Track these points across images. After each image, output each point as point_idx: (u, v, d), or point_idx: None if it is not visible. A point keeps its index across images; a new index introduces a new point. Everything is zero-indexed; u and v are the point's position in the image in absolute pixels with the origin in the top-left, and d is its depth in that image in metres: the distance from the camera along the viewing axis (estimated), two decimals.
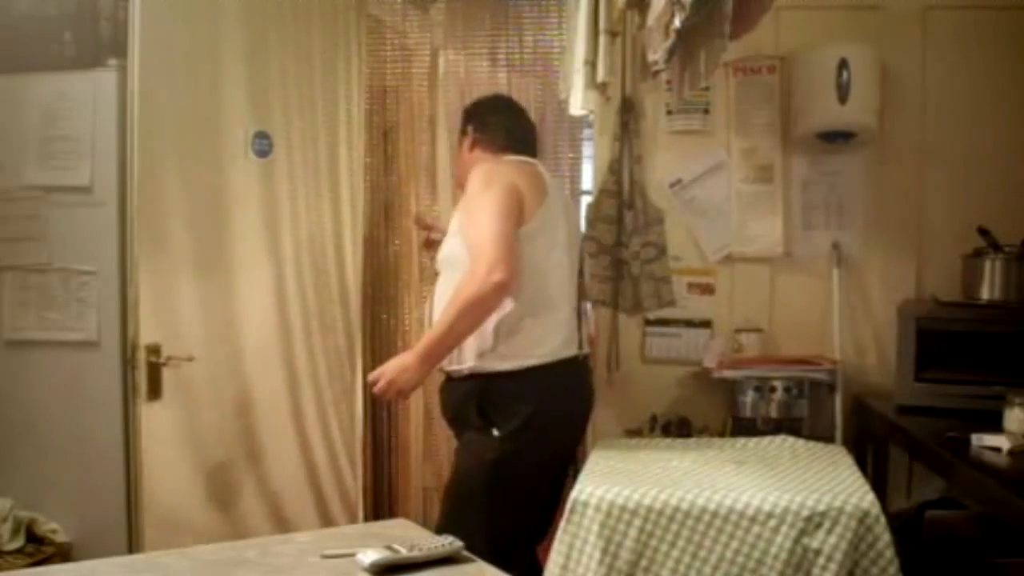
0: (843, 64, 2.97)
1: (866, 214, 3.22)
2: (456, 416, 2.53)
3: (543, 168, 2.62)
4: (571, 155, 3.59)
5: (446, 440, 3.49)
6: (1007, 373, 2.68)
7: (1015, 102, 3.13)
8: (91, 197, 2.63)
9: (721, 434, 3.08)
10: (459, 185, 2.78)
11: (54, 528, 2.66)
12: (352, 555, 1.56)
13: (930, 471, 2.83)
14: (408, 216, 3.53)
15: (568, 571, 2.19)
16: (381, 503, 3.58)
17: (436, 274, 2.65)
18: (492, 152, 2.64)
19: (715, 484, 2.22)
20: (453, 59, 3.51)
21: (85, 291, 2.65)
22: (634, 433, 3.15)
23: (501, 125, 2.70)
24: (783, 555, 2.08)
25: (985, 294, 2.90)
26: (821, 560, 2.06)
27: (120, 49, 2.55)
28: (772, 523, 2.09)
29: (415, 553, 1.55)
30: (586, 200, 3.42)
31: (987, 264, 2.90)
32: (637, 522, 2.15)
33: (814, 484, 2.22)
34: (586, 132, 3.54)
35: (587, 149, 3.53)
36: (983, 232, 2.90)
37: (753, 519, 2.10)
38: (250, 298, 2.86)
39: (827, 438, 2.89)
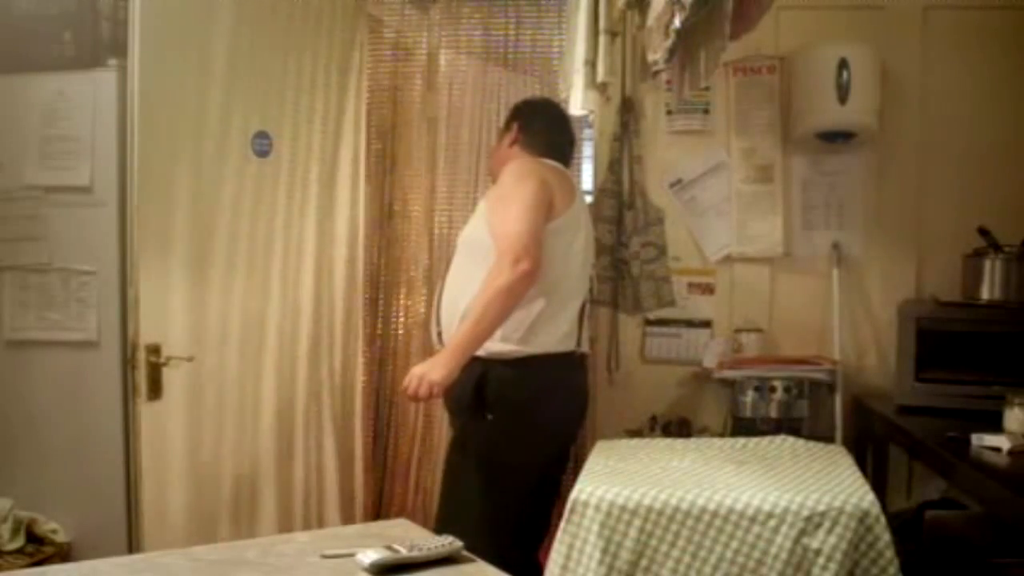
0: (843, 64, 2.97)
1: (866, 214, 3.22)
2: (454, 398, 2.55)
3: (574, 178, 2.73)
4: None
5: (445, 440, 3.49)
6: (1007, 373, 2.68)
7: (1015, 102, 3.13)
8: (91, 197, 2.63)
9: (721, 434, 3.08)
10: (492, 175, 2.84)
11: (54, 528, 2.66)
12: (352, 555, 1.56)
13: (930, 471, 2.83)
14: (408, 216, 3.53)
15: (568, 571, 2.19)
16: (381, 503, 3.58)
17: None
18: (530, 154, 2.70)
19: (715, 484, 2.22)
20: (452, 59, 3.51)
21: (85, 291, 2.65)
22: (634, 433, 3.15)
23: (545, 130, 2.75)
24: (783, 555, 2.08)
25: (985, 294, 2.90)
26: (821, 560, 2.06)
27: (120, 49, 2.55)
28: (772, 523, 2.09)
29: (415, 553, 1.55)
30: (586, 200, 3.42)
31: (987, 264, 2.90)
32: (637, 522, 2.15)
33: (814, 484, 2.22)
34: (586, 132, 3.53)
35: (587, 149, 3.52)
36: (983, 232, 2.90)
37: (753, 519, 2.10)
38: (250, 298, 2.86)
39: (827, 438, 2.89)
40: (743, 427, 2.98)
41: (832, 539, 2.06)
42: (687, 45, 2.24)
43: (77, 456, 2.65)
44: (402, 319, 3.59)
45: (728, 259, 3.27)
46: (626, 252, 3.22)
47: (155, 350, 2.51)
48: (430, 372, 2.35)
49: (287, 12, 2.95)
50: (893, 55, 3.13)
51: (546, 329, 2.49)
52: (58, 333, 2.67)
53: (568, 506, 2.21)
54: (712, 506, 2.13)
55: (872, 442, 3.09)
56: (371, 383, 3.52)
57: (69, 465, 2.66)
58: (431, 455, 3.55)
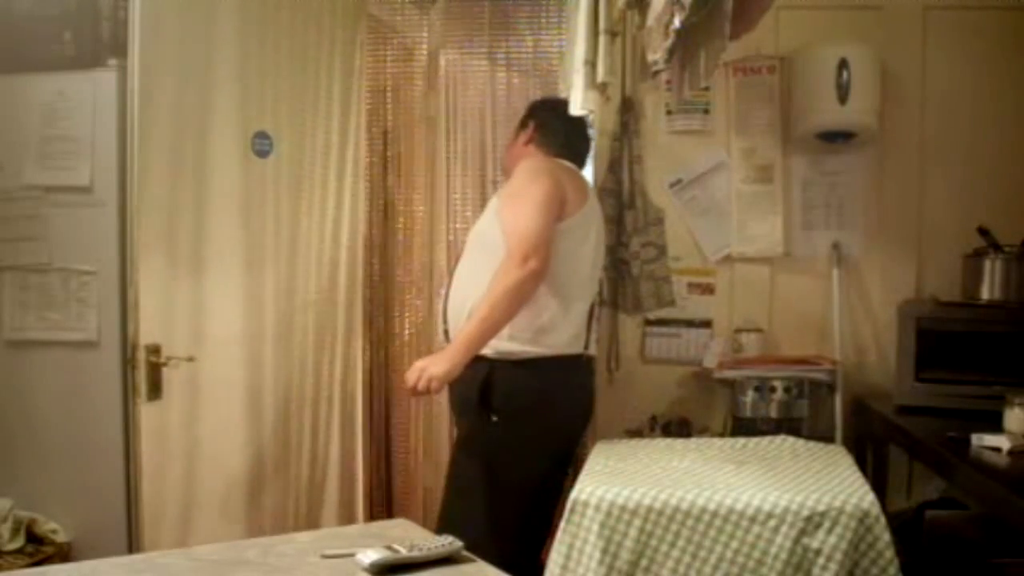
0: (843, 64, 2.97)
1: (866, 214, 3.22)
2: (460, 398, 2.55)
3: (587, 179, 2.75)
4: None
5: (446, 440, 3.49)
6: (1007, 373, 2.68)
7: (1015, 102, 3.13)
8: (91, 197, 2.63)
9: (721, 434, 3.08)
10: (506, 172, 2.85)
11: (54, 528, 2.65)
12: (352, 555, 1.56)
13: (930, 471, 2.83)
14: (408, 216, 3.53)
15: (568, 571, 2.19)
16: (381, 503, 3.58)
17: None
18: (545, 153, 2.70)
19: (715, 484, 2.22)
20: (452, 59, 3.52)
21: (85, 291, 2.65)
22: (634, 433, 3.15)
23: (562, 131, 2.75)
24: (783, 555, 2.08)
25: (985, 294, 2.90)
26: (821, 560, 2.06)
27: (120, 49, 2.55)
28: (772, 523, 2.09)
29: (415, 553, 1.55)
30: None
31: (987, 264, 2.90)
32: (637, 522, 2.15)
33: (814, 484, 2.22)
34: None
35: None
36: (983, 232, 2.90)
37: (753, 519, 2.10)
38: (250, 298, 2.85)
39: (827, 438, 2.89)
40: (743, 427, 2.98)
41: (832, 539, 2.06)
42: (687, 45, 2.24)
43: (77, 456, 2.65)
44: (402, 319, 3.59)
45: (728, 259, 3.27)
46: (626, 252, 3.22)
47: (155, 350, 2.51)
48: (431, 366, 2.33)
49: (287, 12, 2.95)
50: (893, 55, 3.13)
51: (556, 330, 2.49)
52: (58, 333, 2.67)
53: (568, 506, 2.21)
54: (712, 506, 2.13)
55: (872, 442, 3.09)
56: (372, 383, 3.52)
57: (69, 465, 2.66)
58: (432, 455, 3.55)
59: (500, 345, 2.43)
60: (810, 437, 2.79)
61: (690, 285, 3.29)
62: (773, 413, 2.97)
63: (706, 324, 3.28)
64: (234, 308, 2.79)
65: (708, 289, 3.29)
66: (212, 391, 2.72)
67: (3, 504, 2.61)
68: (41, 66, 2.68)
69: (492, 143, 3.46)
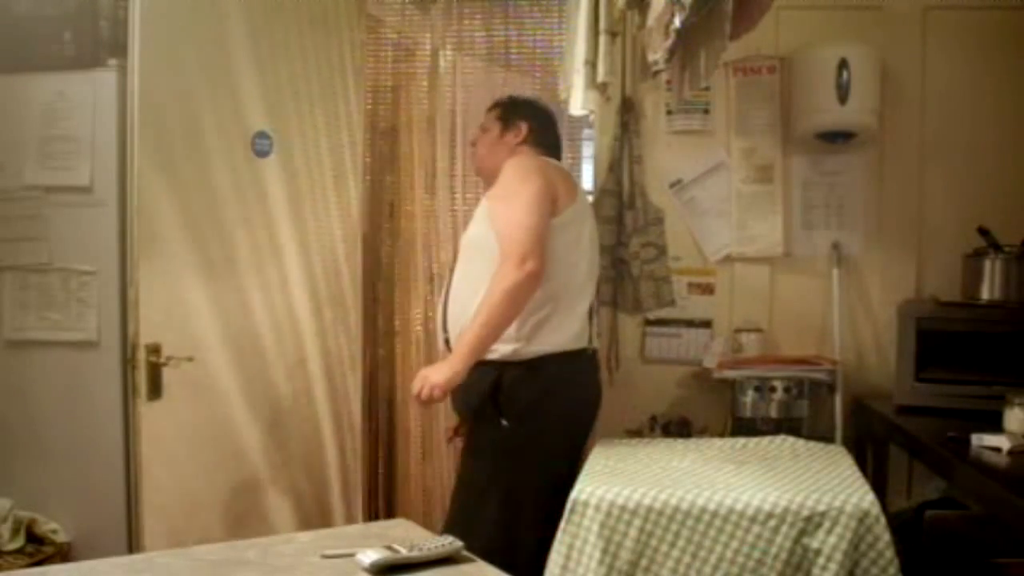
0: (843, 64, 2.97)
1: (866, 214, 3.22)
2: (467, 404, 2.52)
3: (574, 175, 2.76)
4: (571, 155, 3.59)
5: (446, 440, 3.49)
6: (1007, 373, 2.68)
7: (1015, 102, 3.13)
8: (91, 197, 2.63)
9: (721, 434, 3.08)
10: (486, 173, 2.77)
11: (54, 528, 2.65)
12: (352, 555, 1.56)
13: (930, 471, 2.83)
14: (408, 216, 3.53)
15: (568, 571, 2.19)
16: (381, 503, 3.58)
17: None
18: (537, 151, 2.68)
19: (715, 484, 2.22)
20: (453, 59, 3.51)
21: (85, 291, 2.65)
22: (634, 433, 3.15)
23: (552, 131, 2.78)
24: (783, 555, 2.08)
25: (985, 294, 2.90)
26: (821, 560, 2.06)
27: (120, 49, 2.55)
28: (772, 523, 2.09)
29: (415, 553, 1.55)
30: (588, 197, 3.42)
31: (987, 264, 2.90)
32: (637, 522, 2.15)
33: (814, 484, 2.22)
34: (586, 132, 3.54)
35: (587, 149, 3.53)
36: (983, 232, 2.90)
37: (753, 519, 2.10)
38: (250, 298, 2.85)
39: (827, 438, 2.89)
40: (743, 427, 2.98)
41: (832, 539, 2.06)
42: (687, 45, 2.24)
43: (77, 456, 2.65)
44: (403, 318, 3.59)
45: (728, 259, 3.27)
46: (626, 252, 3.22)
47: (155, 350, 2.51)
48: (432, 374, 2.32)
49: (287, 12, 2.95)
50: (893, 55, 3.13)
51: (559, 328, 2.48)
52: (58, 333, 2.67)
53: (568, 506, 2.21)
54: (712, 506, 2.13)
55: (872, 442, 3.09)
56: (372, 383, 3.52)
57: (69, 465, 2.66)
58: (432, 455, 3.55)
59: (505, 347, 2.42)
60: (810, 437, 2.79)
61: (690, 285, 3.29)
62: (773, 413, 2.97)
63: (706, 324, 3.28)
64: (234, 308, 2.79)
65: (708, 289, 3.29)
66: (212, 391, 2.72)
67: (3, 504, 2.61)
68: (41, 66, 2.68)
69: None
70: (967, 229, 2.94)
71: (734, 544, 2.11)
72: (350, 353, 3.24)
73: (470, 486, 2.51)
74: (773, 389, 2.97)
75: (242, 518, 2.84)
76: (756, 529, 2.10)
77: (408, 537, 1.64)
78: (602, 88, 2.57)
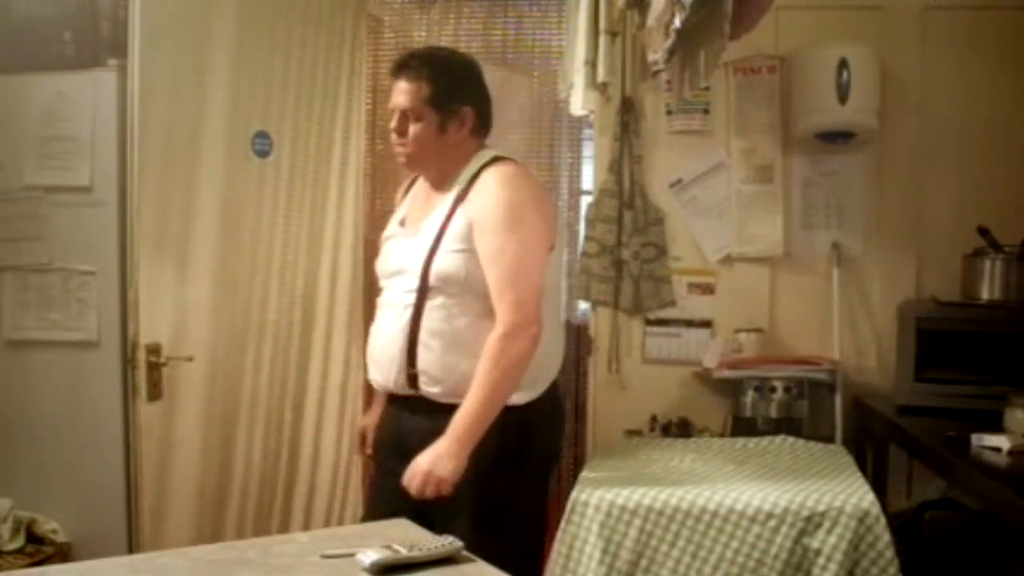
0: (843, 64, 2.97)
1: (866, 214, 3.22)
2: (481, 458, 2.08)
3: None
4: (571, 155, 3.59)
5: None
6: (1007, 373, 2.68)
7: (1015, 102, 3.13)
8: (91, 197, 2.63)
9: (721, 434, 3.08)
10: (422, 168, 2.29)
11: (54, 528, 2.66)
12: (352, 555, 1.56)
13: (930, 471, 2.83)
14: None
15: (568, 571, 2.19)
16: None
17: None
18: (481, 141, 2.29)
19: (715, 484, 2.23)
20: None
21: (85, 291, 2.65)
22: (634, 433, 3.14)
23: (488, 100, 2.32)
24: (783, 555, 2.08)
25: (985, 294, 2.90)
26: (821, 560, 2.06)
27: (120, 49, 2.55)
28: (772, 523, 2.09)
29: (415, 553, 1.55)
30: (586, 200, 3.42)
31: (987, 264, 2.90)
32: (637, 522, 2.15)
33: (814, 484, 2.22)
34: (586, 132, 3.54)
35: (587, 149, 3.52)
36: (983, 232, 2.90)
37: (753, 519, 2.10)
38: (250, 298, 2.86)
39: (827, 438, 2.89)
40: (743, 427, 2.98)
41: (832, 539, 2.06)
42: (687, 45, 2.24)
43: (77, 456, 2.65)
44: None
45: (728, 259, 3.27)
46: (626, 252, 3.22)
47: (155, 350, 2.51)
48: (436, 468, 2.00)
49: (287, 12, 2.95)
50: (893, 55, 3.13)
51: (555, 362, 2.31)
52: (58, 333, 2.67)
53: (568, 506, 2.21)
54: (712, 506, 2.13)
55: (872, 442, 3.09)
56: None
57: (69, 465, 2.66)
58: None
59: (517, 396, 2.14)
60: (810, 437, 2.80)
61: (690, 285, 3.29)
62: (773, 413, 2.96)
63: (706, 324, 3.28)
64: (234, 308, 2.80)
65: (708, 289, 3.28)
66: (212, 391, 2.72)
67: (3, 504, 2.61)
68: (41, 66, 2.68)
69: (492, 142, 3.45)
70: (967, 229, 2.94)
71: (734, 544, 2.11)
72: (351, 352, 3.24)
73: (491, 541, 1.84)
74: (773, 389, 2.97)
75: (242, 517, 2.84)
76: (756, 529, 2.10)
77: (408, 537, 1.64)
78: (602, 88, 2.57)
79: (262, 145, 2.88)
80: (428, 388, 2.17)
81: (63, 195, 2.65)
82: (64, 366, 2.67)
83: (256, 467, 2.88)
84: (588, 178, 3.45)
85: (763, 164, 3.24)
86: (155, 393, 2.52)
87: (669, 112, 3.28)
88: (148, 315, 2.50)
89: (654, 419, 3.20)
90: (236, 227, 2.80)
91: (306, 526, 3.02)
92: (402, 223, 2.33)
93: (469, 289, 2.13)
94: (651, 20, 2.24)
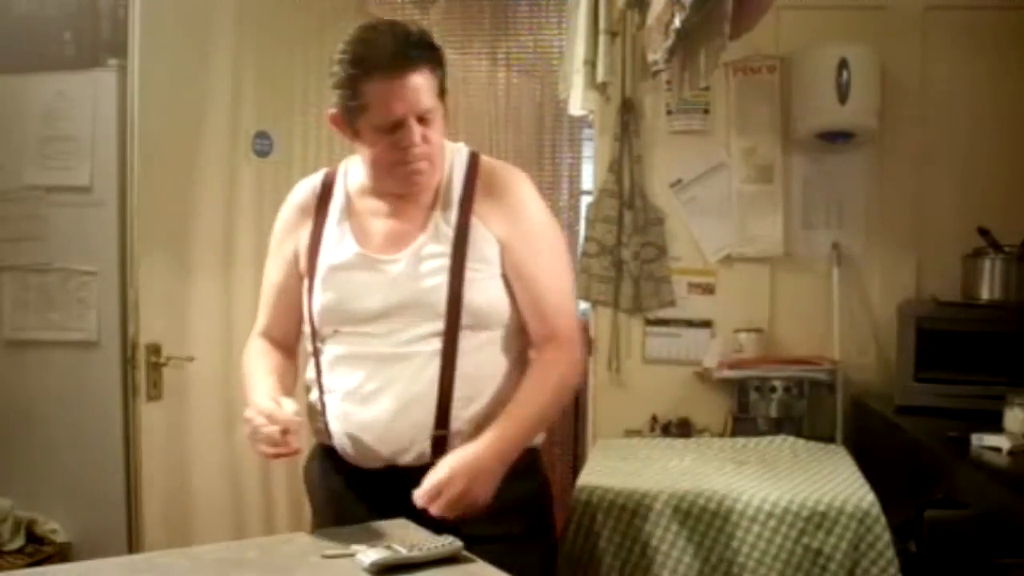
0: (843, 64, 2.97)
1: (866, 214, 3.22)
2: (506, 503, 1.70)
3: None
4: (571, 155, 3.60)
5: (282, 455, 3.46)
6: (1007, 373, 2.68)
7: (1015, 102, 3.12)
8: (91, 197, 2.63)
9: (721, 434, 3.08)
10: (427, 177, 1.74)
11: (54, 528, 2.66)
12: (352, 555, 1.56)
13: (930, 471, 2.83)
14: None
15: (568, 572, 2.19)
16: None
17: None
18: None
19: (715, 484, 2.22)
20: (453, 59, 3.51)
21: (85, 291, 2.65)
22: (634, 433, 3.14)
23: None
24: (783, 555, 2.08)
25: (985, 294, 2.90)
26: (821, 560, 2.06)
27: (120, 49, 2.55)
28: (772, 523, 2.09)
29: (415, 553, 1.55)
30: (586, 200, 3.42)
31: (987, 264, 2.90)
32: (637, 522, 2.15)
33: (814, 484, 2.22)
34: (586, 132, 3.54)
35: (587, 149, 3.53)
36: (983, 232, 2.90)
37: (753, 519, 2.10)
38: (250, 298, 2.85)
39: (827, 438, 2.89)
40: (743, 427, 2.98)
41: (832, 539, 2.06)
42: (687, 45, 2.24)
43: (77, 456, 2.65)
44: None
45: (728, 259, 3.27)
46: (626, 252, 3.22)
47: (155, 350, 2.52)
48: (477, 486, 1.64)
49: (287, 12, 2.95)
50: (893, 55, 3.13)
51: None
52: (58, 333, 2.67)
53: (569, 506, 2.21)
54: (712, 506, 2.13)
55: (872, 442, 3.08)
56: None
57: (69, 465, 2.66)
58: None
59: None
60: (810, 437, 2.80)
61: (690, 285, 3.29)
62: (773, 413, 2.96)
63: (706, 324, 3.28)
64: (234, 308, 2.80)
65: (708, 289, 3.28)
66: (212, 391, 2.72)
67: (3, 504, 2.61)
68: (41, 66, 2.68)
69: (493, 143, 3.46)
70: (967, 229, 2.94)
71: (734, 544, 2.11)
72: None
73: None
74: (773, 389, 2.97)
75: (242, 518, 2.84)
76: (756, 529, 2.10)
77: (408, 537, 1.63)
78: (602, 88, 2.58)
79: (262, 145, 2.88)
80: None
81: (63, 195, 2.65)
82: (64, 366, 2.67)
83: (256, 467, 2.88)
84: (588, 178, 3.45)
85: (763, 164, 3.24)
86: (155, 393, 2.52)
87: (669, 112, 3.28)
88: (148, 315, 2.50)
89: (654, 419, 3.20)
90: (236, 226, 2.80)
91: (307, 526, 3.02)
92: (360, 249, 1.77)
93: (509, 320, 1.75)
94: (651, 20, 2.25)
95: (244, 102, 2.80)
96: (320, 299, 1.76)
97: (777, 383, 2.97)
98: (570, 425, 3.76)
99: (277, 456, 1.63)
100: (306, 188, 1.95)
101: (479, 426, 1.70)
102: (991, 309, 2.86)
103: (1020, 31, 3.09)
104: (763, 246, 3.24)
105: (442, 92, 1.72)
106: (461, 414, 1.70)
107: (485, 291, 1.71)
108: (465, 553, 1.58)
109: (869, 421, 3.02)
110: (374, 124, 1.68)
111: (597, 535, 2.16)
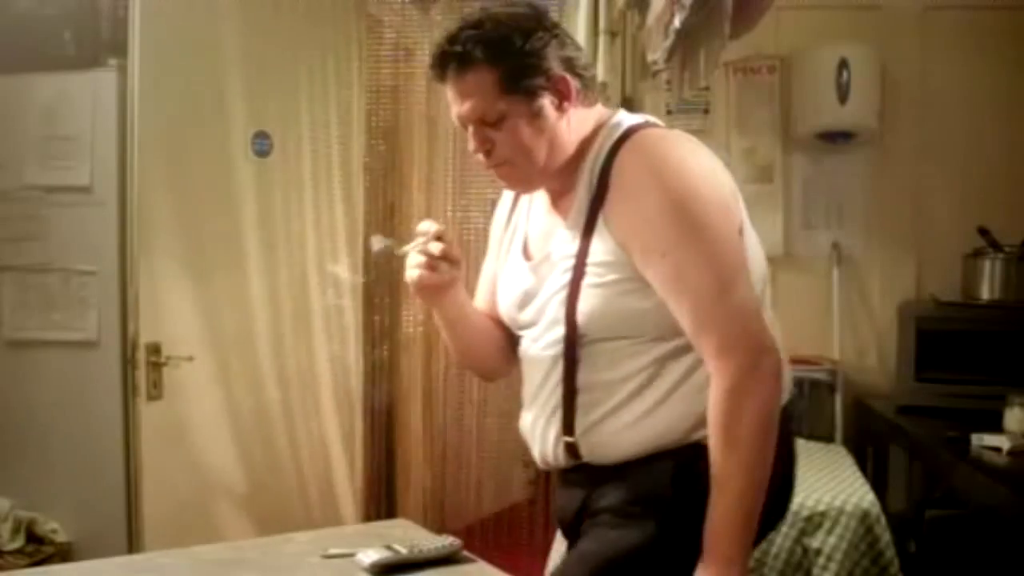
0: (843, 64, 2.97)
1: (866, 214, 3.22)
2: (638, 497, 1.51)
3: None
4: None
5: (448, 441, 3.49)
6: (1007, 373, 2.68)
7: (1015, 102, 3.13)
8: (91, 197, 2.63)
9: None
10: (547, 177, 1.55)
11: (54, 528, 2.65)
12: (352, 555, 1.56)
13: (930, 471, 2.83)
14: (408, 216, 3.53)
15: None
16: (381, 503, 3.58)
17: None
18: (592, 101, 1.60)
19: None
20: None
21: (85, 291, 2.65)
22: None
23: (577, 45, 1.66)
24: (783, 555, 2.08)
25: (985, 294, 2.90)
26: (821, 560, 2.06)
27: (120, 49, 2.55)
28: None
29: (415, 553, 1.55)
30: None
31: (987, 264, 2.90)
32: None
33: (814, 484, 2.22)
34: None
35: None
36: (983, 232, 2.90)
37: None
38: (250, 298, 2.86)
39: (827, 438, 2.89)
40: None
41: (832, 539, 2.06)
42: (687, 45, 2.24)
43: (77, 456, 2.65)
44: (403, 320, 3.59)
45: None
46: None
47: (155, 350, 2.51)
48: None
49: (287, 12, 2.95)
50: (893, 55, 3.13)
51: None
52: (58, 333, 2.67)
53: None
54: None
55: (872, 442, 3.09)
56: (371, 383, 3.52)
57: (69, 465, 2.66)
58: (433, 455, 3.56)
59: (693, 435, 1.49)
60: (810, 437, 2.80)
61: None
62: None
63: None
64: (234, 308, 2.80)
65: None
66: (212, 391, 2.72)
67: (3, 504, 2.61)
68: (41, 66, 2.68)
69: None
70: (967, 229, 2.94)
71: None
72: (351, 353, 3.25)
73: None
74: None
75: (242, 518, 2.84)
76: None
77: (408, 537, 1.63)
78: (602, 88, 2.57)
79: (262, 145, 2.88)
80: (594, 458, 1.56)
81: (63, 195, 2.65)
82: (64, 366, 2.66)
83: (256, 467, 2.88)
84: None
85: (763, 164, 3.24)
86: (155, 393, 2.51)
87: (669, 112, 3.28)
88: (148, 315, 2.50)
89: None
90: (236, 226, 2.80)
91: (307, 526, 3.02)
92: (525, 252, 1.64)
93: (639, 329, 1.51)
94: (651, 20, 2.24)
95: (244, 102, 2.80)
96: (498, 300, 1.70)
97: None
98: None
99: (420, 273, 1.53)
100: None
101: (611, 433, 1.52)
102: (991, 309, 2.86)
103: (1020, 31, 3.09)
104: (763, 246, 3.24)
105: (515, 86, 1.48)
106: (581, 421, 1.54)
107: (589, 299, 1.50)
108: (465, 553, 1.59)
109: (869, 421, 3.02)
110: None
111: None
